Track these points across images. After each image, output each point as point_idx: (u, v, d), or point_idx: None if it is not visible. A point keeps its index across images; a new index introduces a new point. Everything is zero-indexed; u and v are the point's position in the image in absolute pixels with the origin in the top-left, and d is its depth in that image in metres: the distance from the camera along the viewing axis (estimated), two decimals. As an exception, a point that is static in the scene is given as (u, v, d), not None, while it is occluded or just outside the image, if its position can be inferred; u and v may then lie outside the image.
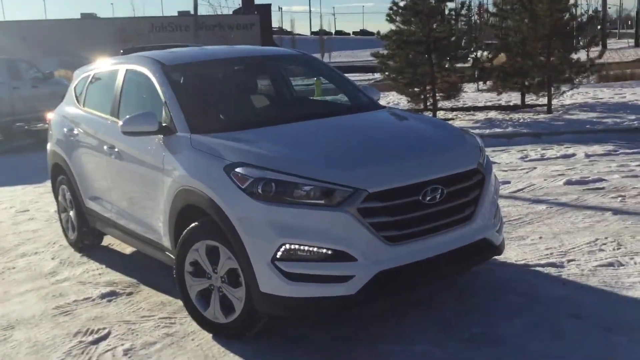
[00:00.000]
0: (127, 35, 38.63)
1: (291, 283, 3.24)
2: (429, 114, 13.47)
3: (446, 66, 13.63)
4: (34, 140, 13.62)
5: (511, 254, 4.63)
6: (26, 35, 38.41)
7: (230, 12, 55.41)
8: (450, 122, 12.63)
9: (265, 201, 3.27)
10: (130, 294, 4.56)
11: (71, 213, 5.66)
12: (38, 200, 8.09)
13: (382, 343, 3.49)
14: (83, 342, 3.83)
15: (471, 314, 3.75)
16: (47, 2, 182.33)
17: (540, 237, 5.01)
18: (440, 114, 13.62)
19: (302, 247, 3.23)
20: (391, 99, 16.77)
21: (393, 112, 4.61)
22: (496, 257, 4.08)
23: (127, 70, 4.79)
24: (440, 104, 13.86)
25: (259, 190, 3.28)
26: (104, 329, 3.99)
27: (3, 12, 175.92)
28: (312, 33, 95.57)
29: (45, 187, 8.24)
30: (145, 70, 4.48)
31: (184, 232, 3.71)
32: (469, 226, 3.59)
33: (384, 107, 4.72)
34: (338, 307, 3.32)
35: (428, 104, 13.58)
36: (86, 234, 5.54)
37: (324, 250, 3.22)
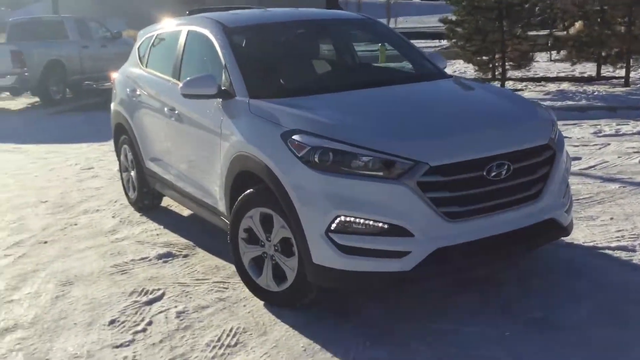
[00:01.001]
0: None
1: (345, 256, 3.15)
2: (497, 84, 13.02)
3: (518, 34, 13.09)
4: (101, 99, 13.93)
5: (579, 235, 4.40)
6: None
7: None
8: (519, 93, 12.17)
9: (322, 171, 3.17)
10: (186, 256, 4.59)
11: (132, 173, 5.73)
12: (102, 158, 8.26)
13: (435, 322, 3.37)
14: (138, 302, 3.87)
15: (532, 297, 3.58)
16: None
17: (612, 218, 4.74)
18: (509, 84, 13.13)
19: (357, 220, 3.12)
20: (457, 67, 16.28)
21: (460, 82, 4.40)
22: (563, 237, 3.87)
23: (189, 31, 4.74)
24: (509, 74, 13.35)
25: (316, 159, 3.18)
26: (159, 289, 4.03)
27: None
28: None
29: (110, 146, 8.34)
30: (206, 32, 4.42)
31: (239, 199, 3.66)
32: (535, 205, 3.40)
33: (451, 75, 4.51)
34: (392, 283, 3.22)
35: (496, 73, 13.10)
36: (146, 194, 5.60)
37: (380, 224, 3.10)
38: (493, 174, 3.22)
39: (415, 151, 3.13)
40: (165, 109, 4.71)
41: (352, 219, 3.12)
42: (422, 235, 3.10)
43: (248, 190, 3.62)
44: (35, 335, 3.54)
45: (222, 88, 3.95)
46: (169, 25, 5.33)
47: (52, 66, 13.88)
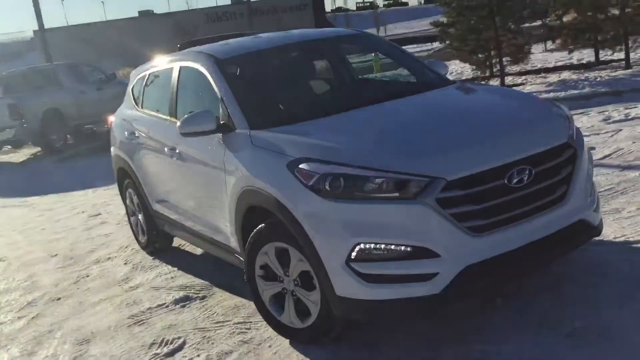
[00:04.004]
0: (184, 29, 39.15)
1: (369, 285, 2.97)
2: (496, 80, 12.89)
3: (511, 28, 12.98)
4: (103, 142, 13.83)
5: (607, 231, 4.20)
6: (89, 37, 39.60)
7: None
8: (520, 87, 12.02)
9: (335, 198, 3.01)
10: (203, 297, 4.43)
11: (140, 216, 5.59)
12: (110, 202, 8.13)
13: (473, 343, 3.18)
14: (158, 355, 3.71)
15: (570, 305, 3.38)
16: (105, 3, 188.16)
17: (638, 209, 4.55)
18: (509, 80, 13.00)
19: (378, 246, 2.95)
20: (454, 67, 16.15)
21: (466, 88, 4.25)
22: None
23: (181, 67, 4.62)
24: (507, 69, 13.22)
25: (327, 187, 3.02)
26: (179, 338, 3.86)
27: (66, 18, 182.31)
28: (358, 7, 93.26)
29: (116, 189, 8.22)
30: (198, 66, 4.29)
31: (251, 235, 3.51)
32: (563, 208, 3.22)
33: (454, 82, 4.35)
34: (423, 308, 3.04)
35: (495, 70, 12.98)
36: (156, 236, 5.46)
37: (403, 248, 2.93)
38: (515, 180, 3.06)
39: (429, 167, 2.96)
40: (166, 149, 4.57)
41: (373, 245, 2.96)
42: (449, 254, 2.93)
43: (260, 226, 3.46)
44: (55, 402, 3.39)
45: (221, 122, 3.81)
46: (160, 62, 5.21)
47: (50, 115, 13.84)
